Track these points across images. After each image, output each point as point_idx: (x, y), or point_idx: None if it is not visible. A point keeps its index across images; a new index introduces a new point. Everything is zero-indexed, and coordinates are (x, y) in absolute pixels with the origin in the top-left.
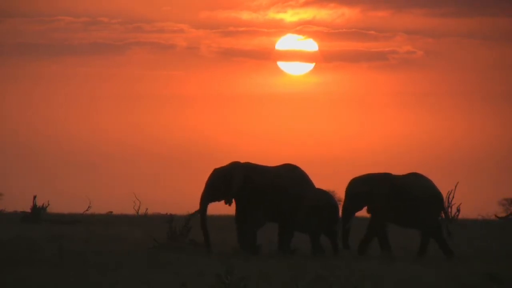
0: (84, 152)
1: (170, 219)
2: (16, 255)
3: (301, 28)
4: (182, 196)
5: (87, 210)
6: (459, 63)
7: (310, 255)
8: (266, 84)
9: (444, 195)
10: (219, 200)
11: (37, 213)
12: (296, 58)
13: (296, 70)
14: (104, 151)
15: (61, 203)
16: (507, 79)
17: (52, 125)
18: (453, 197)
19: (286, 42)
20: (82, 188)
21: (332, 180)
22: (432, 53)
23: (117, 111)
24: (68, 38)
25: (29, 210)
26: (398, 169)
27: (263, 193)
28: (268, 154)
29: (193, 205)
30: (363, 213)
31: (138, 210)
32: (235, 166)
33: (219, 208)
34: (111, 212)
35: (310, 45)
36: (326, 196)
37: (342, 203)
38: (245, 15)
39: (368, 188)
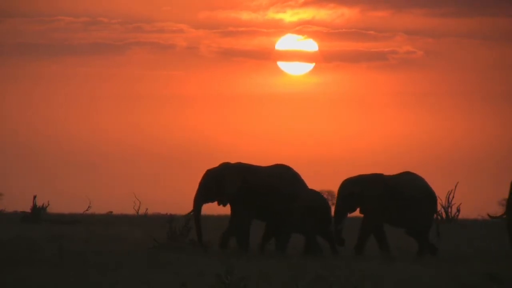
0: (84, 152)
1: (170, 219)
2: (16, 255)
3: (300, 28)
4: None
5: (87, 210)
6: (459, 63)
7: (310, 256)
8: (266, 84)
9: (444, 195)
10: (212, 201)
11: (37, 213)
12: (296, 58)
13: (296, 70)
14: (104, 151)
15: (61, 203)
16: (507, 79)
17: (52, 125)
18: (453, 197)
19: (286, 42)
20: (82, 188)
21: (332, 180)
22: (432, 53)
23: (117, 111)
24: (68, 38)
25: (29, 210)
26: (398, 169)
27: (256, 193)
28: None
29: (192, 206)
30: (356, 213)
31: (138, 210)
32: (229, 167)
33: (219, 209)
34: (111, 212)
35: (310, 45)
36: (318, 197)
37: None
38: (245, 15)
39: (360, 189)
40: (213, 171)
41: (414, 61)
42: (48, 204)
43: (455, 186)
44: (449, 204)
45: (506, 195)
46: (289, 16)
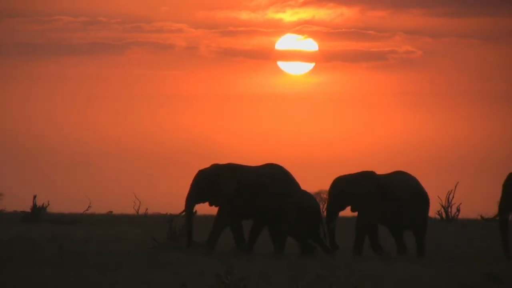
0: (84, 152)
1: (170, 219)
2: (16, 255)
3: (300, 28)
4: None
5: (87, 210)
6: (458, 63)
7: (308, 256)
8: (266, 84)
9: (444, 195)
10: (204, 201)
11: (37, 213)
12: (296, 58)
13: (296, 70)
14: (104, 151)
15: (61, 203)
16: (507, 79)
17: (51, 125)
18: (453, 197)
19: (285, 42)
20: (82, 188)
21: (332, 180)
22: (431, 53)
23: (117, 111)
24: (67, 38)
25: (29, 210)
26: (398, 169)
27: (249, 194)
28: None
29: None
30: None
31: (138, 210)
32: (223, 168)
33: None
34: (111, 212)
35: (310, 45)
36: (310, 197)
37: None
38: (244, 15)
39: (351, 187)
40: (206, 172)
41: (414, 61)
42: (48, 204)
43: (455, 186)
44: (449, 204)
45: None
46: (288, 15)
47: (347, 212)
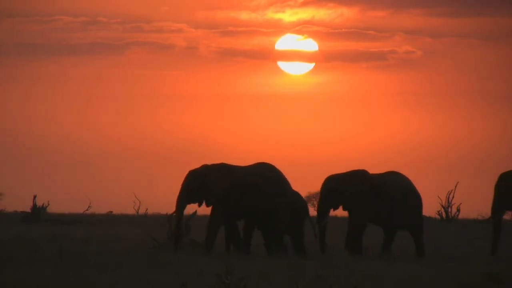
0: (84, 152)
1: (170, 219)
2: (16, 255)
3: (300, 28)
4: None
5: (87, 210)
6: (458, 63)
7: (302, 255)
8: (266, 84)
9: (444, 195)
10: (195, 202)
11: (37, 213)
12: (296, 58)
13: (296, 70)
14: (104, 151)
15: (61, 203)
16: (507, 79)
17: (51, 125)
18: (453, 197)
19: (285, 42)
20: (82, 188)
21: None
22: (431, 53)
23: (116, 111)
24: (67, 38)
25: (29, 210)
26: (397, 169)
27: (241, 193)
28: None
29: (193, 205)
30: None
31: (138, 210)
32: (214, 168)
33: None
34: (111, 212)
35: (310, 45)
36: (300, 197)
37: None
38: (244, 15)
39: (342, 186)
40: (196, 172)
41: (414, 61)
42: (48, 204)
43: (455, 186)
44: (449, 204)
45: None
46: (288, 16)
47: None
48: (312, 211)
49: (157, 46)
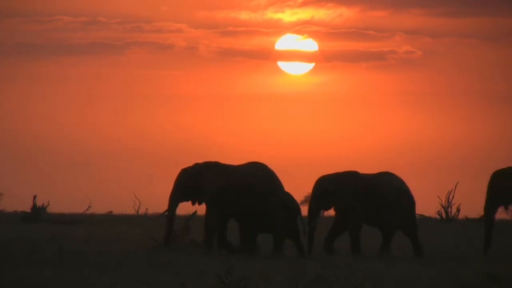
0: (84, 152)
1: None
2: (16, 255)
3: (299, 28)
4: None
5: (87, 210)
6: (458, 63)
7: (304, 255)
8: (266, 84)
9: (444, 195)
10: (187, 200)
11: (37, 213)
12: (296, 58)
13: (296, 70)
14: (104, 151)
15: (61, 203)
16: (507, 79)
17: (51, 125)
18: (453, 197)
19: (285, 42)
20: (82, 188)
21: None
22: (431, 53)
23: (116, 111)
24: (67, 38)
25: (29, 210)
26: (397, 169)
27: (235, 193)
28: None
29: (193, 206)
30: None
31: (138, 210)
32: (207, 166)
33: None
34: (111, 212)
35: (310, 45)
36: (291, 197)
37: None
38: (244, 15)
39: (333, 186)
40: (189, 170)
41: (413, 61)
42: (48, 204)
43: (455, 186)
44: (449, 204)
45: None
46: (288, 16)
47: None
48: None
49: (157, 46)
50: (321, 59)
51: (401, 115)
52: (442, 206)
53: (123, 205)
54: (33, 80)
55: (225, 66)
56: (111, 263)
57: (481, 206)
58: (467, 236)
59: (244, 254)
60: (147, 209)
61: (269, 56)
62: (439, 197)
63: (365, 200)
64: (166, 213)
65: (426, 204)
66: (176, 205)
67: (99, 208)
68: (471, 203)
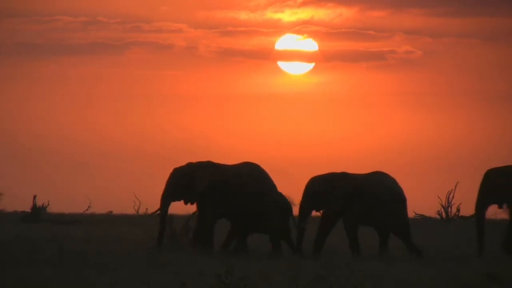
0: (84, 152)
1: (170, 219)
2: (16, 255)
3: (299, 28)
4: None
5: (87, 210)
6: (458, 63)
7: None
8: (265, 84)
9: (444, 195)
10: (179, 199)
11: (37, 213)
12: (296, 58)
13: (296, 70)
14: (104, 151)
15: (61, 203)
16: (507, 79)
17: (51, 125)
18: (453, 197)
19: (285, 42)
20: (82, 188)
21: None
22: (431, 53)
23: (116, 111)
24: (67, 38)
25: (29, 210)
26: (397, 169)
27: (227, 192)
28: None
29: (193, 205)
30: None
31: (138, 210)
32: (199, 165)
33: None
34: (111, 212)
35: (310, 44)
36: (281, 197)
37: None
38: (243, 15)
39: (326, 187)
40: (182, 170)
41: (413, 61)
42: (48, 204)
43: (455, 186)
44: (449, 204)
45: None
46: (287, 16)
47: None
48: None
49: (156, 46)
50: (321, 59)
51: (401, 115)
52: (442, 206)
53: (123, 205)
54: (33, 80)
55: (225, 66)
56: (111, 263)
57: None
58: (467, 236)
59: (242, 254)
60: (147, 209)
61: (269, 56)
62: (439, 197)
63: (357, 200)
64: (158, 212)
65: (426, 204)
66: (168, 204)
67: (99, 208)
68: (471, 203)
